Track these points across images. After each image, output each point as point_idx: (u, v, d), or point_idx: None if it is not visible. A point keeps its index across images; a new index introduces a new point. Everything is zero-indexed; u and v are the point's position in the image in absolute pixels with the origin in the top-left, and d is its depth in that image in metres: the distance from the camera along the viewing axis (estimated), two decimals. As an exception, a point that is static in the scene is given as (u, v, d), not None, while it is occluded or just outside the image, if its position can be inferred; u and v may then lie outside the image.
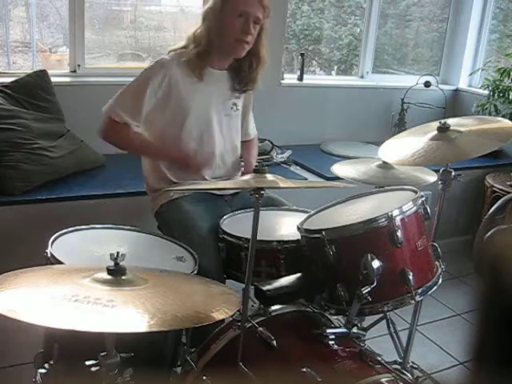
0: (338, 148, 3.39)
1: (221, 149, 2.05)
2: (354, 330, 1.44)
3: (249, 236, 1.33)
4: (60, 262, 1.37)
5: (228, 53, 1.96)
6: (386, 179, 1.92)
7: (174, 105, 1.93)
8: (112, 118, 1.91)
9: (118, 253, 1.09)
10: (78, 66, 2.86)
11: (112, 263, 1.09)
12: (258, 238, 1.30)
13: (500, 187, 3.17)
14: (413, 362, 1.86)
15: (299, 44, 3.99)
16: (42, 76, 2.58)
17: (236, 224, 1.80)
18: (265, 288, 1.42)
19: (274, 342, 1.37)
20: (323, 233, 1.42)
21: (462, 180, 1.78)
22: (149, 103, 1.90)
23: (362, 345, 1.44)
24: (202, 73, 1.93)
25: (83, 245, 1.54)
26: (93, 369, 1.13)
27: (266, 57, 2.01)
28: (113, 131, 1.93)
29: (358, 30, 4.03)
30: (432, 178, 1.96)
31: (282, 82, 3.38)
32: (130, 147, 2.02)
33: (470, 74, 4.06)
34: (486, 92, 3.64)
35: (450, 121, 1.76)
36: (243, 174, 2.12)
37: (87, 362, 1.14)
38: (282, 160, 3.09)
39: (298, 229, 1.54)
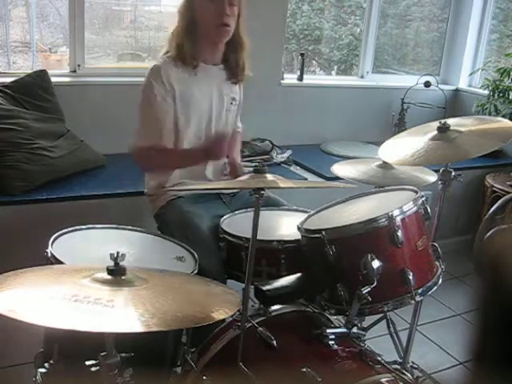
0: (338, 148, 3.39)
1: None
2: (354, 329, 1.44)
3: (249, 236, 1.33)
4: (60, 262, 1.37)
5: (213, 41, 1.94)
6: (386, 179, 1.92)
7: (177, 103, 1.93)
8: (139, 146, 1.91)
9: (117, 253, 1.10)
10: (78, 66, 2.85)
11: (112, 263, 1.09)
12: (258, 238, 1.30)
13: (500, 187, 3.17)
14: (413, 362, 1.86)
15: (299, 44, 3.99)
16: (42, 76, 2.58)
17: (236, 224, 1.80)
18: (265, 288, 1.42)
19: (274, 342, 1.37)
20: (323, 233, 1.42)
21: (462, 180, 1.78)
22: (166, 114, 1.90)
23: (362, 345, 1.44)
24: (197, 69, 1.93)
25: (83, 245, 1.54)
26: (93, 369, 1.13)
27: (247, 41, 1.99)
28: (146, 157, 1.93)
29: (358, 30, 4.03)
30: (432, 177, 1.96)
31: (282, 81, 3.38)
32: (169, 164, 1.99)
33: (470, 74, 4.06)
34: (486, 92, 3.64)
35: (450, 121, 1.76)
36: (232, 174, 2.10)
37: (87, 362, 1.14)
38: (282, 160, 3.09)
39: (298, 229, 1.54)
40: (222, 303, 1.13)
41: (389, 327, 1.79)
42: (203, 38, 1.91)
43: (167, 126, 1.92)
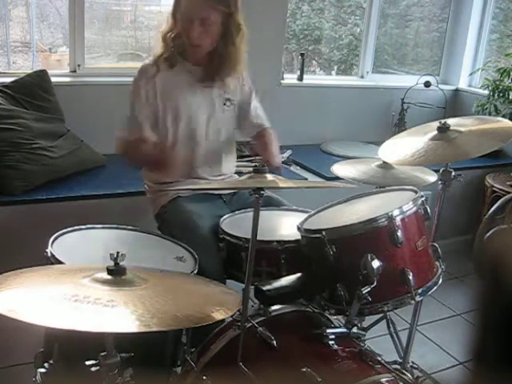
0: (338, 148, 3.39)
1: (213, 145, 2.06)
2: (354, 329, 1.44)
3: (249, 236, 1.33)
4: (60, 262, 1.37)
5: (190, 54, 1.96)
6: (386, 179, 1.92)
7: (163, 105, 1.94)
8: (119, 138, 1.91)
9: (118, 253, 1.09)
10: (78, 65, 2.85)
11: (112, 263, 1.09)
12: (258, 238, 1.30)
13: (500, 187, 3.17)
14: (413, 362, 1.86)
15: (299, 44, 3.99)
16: (42, 76, 2.58)
17: (236, 224, 1.80)
18: (265, 288, 1.42)
19: (274, 342, 1.37)
20: (323, 233, 1.42)
21: (462, 180, 1.78)
22: (148, 109, 1.92)
23: (362, 345, 1.44)
24: (184, 69, 1.95)
25: (83, 245, 1.54)
26: (93, 369, 1.13)
27: (236, 58, 1.95)
28: (124, 147, 1.92)
29: (358, 29, 4.03)
30: (432, 177, 1.95)
31: (282, 81, 3.38)
32: (140, 157, 1.92)
33: (470, 74, 4.06)
34: (486, 92, 3.64)
35: (450, 121, 1.76)
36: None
37: (87, 362, 1.14)
38: (282, 160, 3.09)
39: (298, 229, 1.54)
40: (221, 303, 1.13)
41: (389, 327, 1.79)
42: (178, 47, 1.93)
43: (148, 122, 1.92)
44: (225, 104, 2.06)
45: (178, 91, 1.96)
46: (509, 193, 2.99)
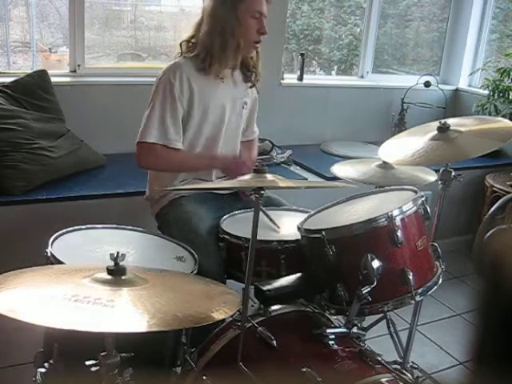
0: (338, 148, 3.39)
1: (229, 147, 2.07)
2: (354, 329, 1.44)
3: (249, 236, 1.33)
4: (60, 262, 1.37)
5: (241, 52, 1.94)
6: (386, 179, 1.92)
7: (195, 106, 1.92)
8: (144, 142, 1.87)
9: (117, 253, 1.09)
10: (78, 66, 2.85)
11: (112, 263, 1.09)
12: (258, 238, 1.30)
13: (500, 187, 3.17)
14: (413, 362, 1.86)
15: (299, 44, 4.00)
16: (42, 76, 2.58)
17: (236, 224, 1.80)
18: (265, 288, 1.42)
19: (274, 342, 1.37)
20: (323, 233, 1.42)
21: (462, 180, 1.78)
22: (180, 113, 1.90)
23: (362, 345, 1.44)
24: (219, 74, 1.93)
25: (83, 245, 1.54)
26: (93, 369, 1.13)
27: (262, 60, 2.03)
28: (148, 156, 1.90)
29: (358, 29, 4.03)
30: (432, 177, 1.96)
31: (282, 81, 3.38)
32: (172, 167, 1.99)
33: (470, 74, 4.06)
34: (486, 92, 3.64)
35: (450, 121, 1.76)
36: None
37: (87, 362, 1.14)
38: (282, 160, 3.09)
39: (298, 229, 1.54)
40: (221, 303, 1.13)
41: (389, 327, 1.79)
42: (233, 45, 1.88)
43: (178, 126, 1.90)
44: (243, 107, 2.07)
45: (211, 93, 1.94)
46: (509, 193, 2.99)
